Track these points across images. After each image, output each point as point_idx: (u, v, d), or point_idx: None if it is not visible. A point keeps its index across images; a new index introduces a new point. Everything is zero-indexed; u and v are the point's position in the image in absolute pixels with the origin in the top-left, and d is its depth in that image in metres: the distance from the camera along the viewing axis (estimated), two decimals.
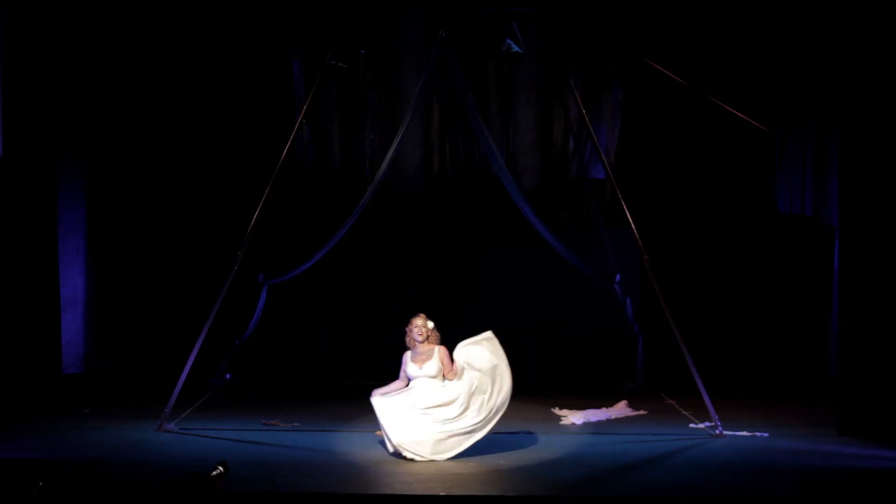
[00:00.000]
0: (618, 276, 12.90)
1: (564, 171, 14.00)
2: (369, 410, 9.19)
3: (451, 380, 9.10)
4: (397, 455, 8.98)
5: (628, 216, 11.27)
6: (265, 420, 10.73)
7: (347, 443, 9.75)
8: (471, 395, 9.06)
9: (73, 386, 12.10)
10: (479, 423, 9.05)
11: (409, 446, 8.90)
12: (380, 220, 13.10)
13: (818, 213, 12.59)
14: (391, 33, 13.62)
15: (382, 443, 9.24)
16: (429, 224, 13.73)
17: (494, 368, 9.18)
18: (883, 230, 10.07)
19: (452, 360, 9.17)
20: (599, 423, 10.84)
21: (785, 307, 13.44)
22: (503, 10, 13.50)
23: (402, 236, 13.66)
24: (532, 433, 10.24)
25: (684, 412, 11.13)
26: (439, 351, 9.14)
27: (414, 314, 9.29)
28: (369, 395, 9.21)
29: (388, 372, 9.58)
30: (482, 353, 9.18)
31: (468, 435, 9.02)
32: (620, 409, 11.40)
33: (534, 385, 12.90)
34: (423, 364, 9.11)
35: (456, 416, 8.98)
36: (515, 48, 13.59)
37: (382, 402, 9.06)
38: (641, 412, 11.35)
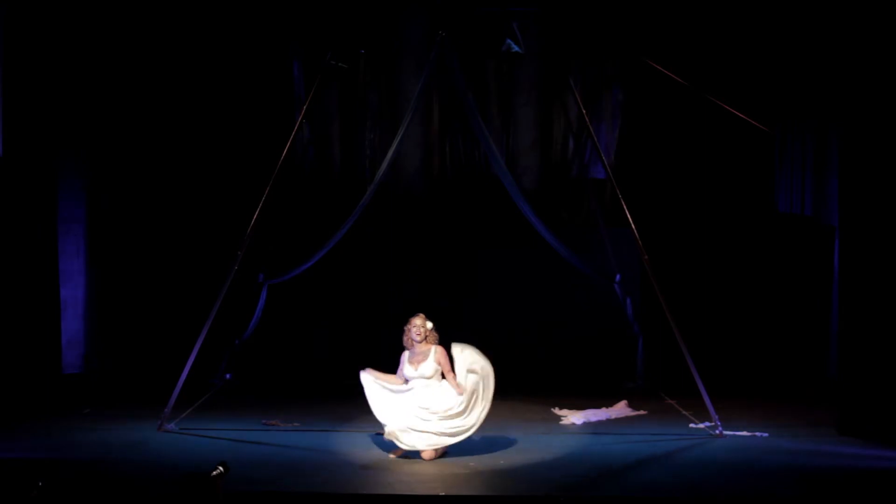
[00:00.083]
0: (618, 276, 12.90)
1: (564, 171, 14.00)
2: (370, 410, 9.19)
3: (451, 383, 9.07)
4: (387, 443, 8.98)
5: (628, 216, 11.27)
6: (265, 420, 10.73)
7: (347, 443, 9.75)
8: (472, 399, 9.05)
9: (73, 386, 12.10)
10: (466, 427, 9.03)
11: (391, 423, 8.92)
12: (380, 220, 13.10)
13: (818, 213, 12.58)
14: (391, 33, 13.62)
15: (381, 443, 9.24)
16: (429, 224, 13.73)
17: (488, 376, 9.14)
18: (883, 230, 10.07)
19: (452, 361, 9.15)
20: (599, 423, 10.84)
21: (785, 307, 13.44)
22: (503, 10, 13.50)
23: (402, 236, 13.66)
24: (532, 433, 10.24)
25: (684, 412, 11.12)
26: (436, 352, 9.11)
27: (413, 314, 9.28)
28: (361, 369, 9.19)
29: (388, 372, 9.57)
30: (475, 357, 9.16)
31: (451, 437, 9.01)
32: (620, 409, 11.40)
33: (534, 385, 12.92)
34: (418, 365, 9.09)
35: (451, 416, 8.96)
36: (515, 48, 13.59)
37: (372, 384, 9.04)
38: (641, 412, 11.35)
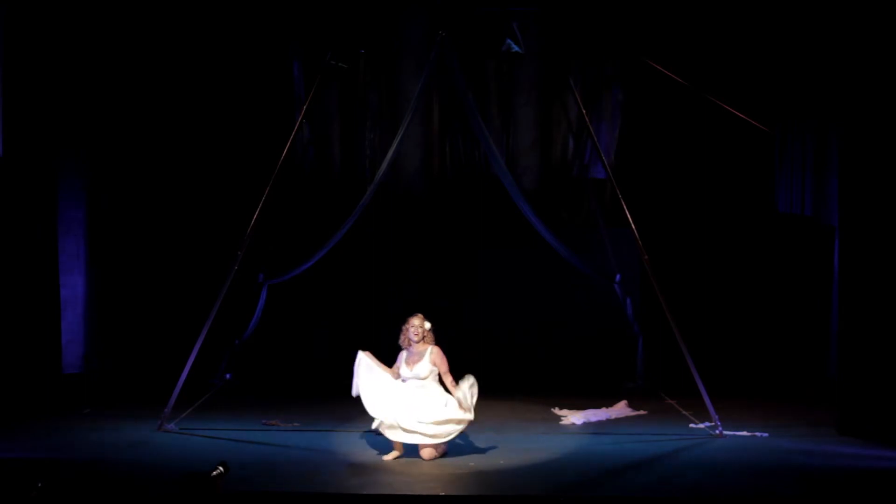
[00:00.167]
0: (618, 276, 12.90)
1: (564, 171, 14.00)
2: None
3: (449, 386, 9.07)
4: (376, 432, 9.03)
5: (628, 216, 11.27)
6: (265, 420, 10.73)
7: (347, 443, 9.76)
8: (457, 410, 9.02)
9: (73, 386, 12.11)
10: (449, 433, 9.02)
11: (379, 415, 8.93)
12: (380, 220, 13.10)
13: (818, 213, 12.58)
14: (391, 33, 13.62)
15: (380, 443, 9.24)
16: (429, 224, 13.73)
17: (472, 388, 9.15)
18: (883, 230, 10.07)
19: (447, 362, 9.15)
20: (599, 423, 10.84)
21: (785, 307, 13.44)
22: (503, 10, 13.50)
23: (402, 236, 13.67)
24: (532, 433, 10.23)
25: (684, 412, 11.12)
26: (431, 352, 9.11)
27: (412, 314, 9.27)
28: (356, 352, 9.18)
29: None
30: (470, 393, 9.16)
31: (433, 438, 9.00)
32: (620, 409, 11.40)
33: (534, 385, 12.92)
34: (414, 365, 9.09)
35: (436, 422, 8.96)
36: (515, 48, 13.59)
37: (366, 371, 9.04)
38: (641, 412, 11.35)
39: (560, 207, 13.91)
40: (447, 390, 9.11)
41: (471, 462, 8.94)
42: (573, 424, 10.80)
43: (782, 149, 12.99)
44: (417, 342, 9.12)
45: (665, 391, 12.30)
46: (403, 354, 9.21)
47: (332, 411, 11.16)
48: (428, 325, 9.18)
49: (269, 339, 13.39)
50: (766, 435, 10.07)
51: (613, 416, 11.15)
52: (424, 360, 9.06)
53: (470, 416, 8.99)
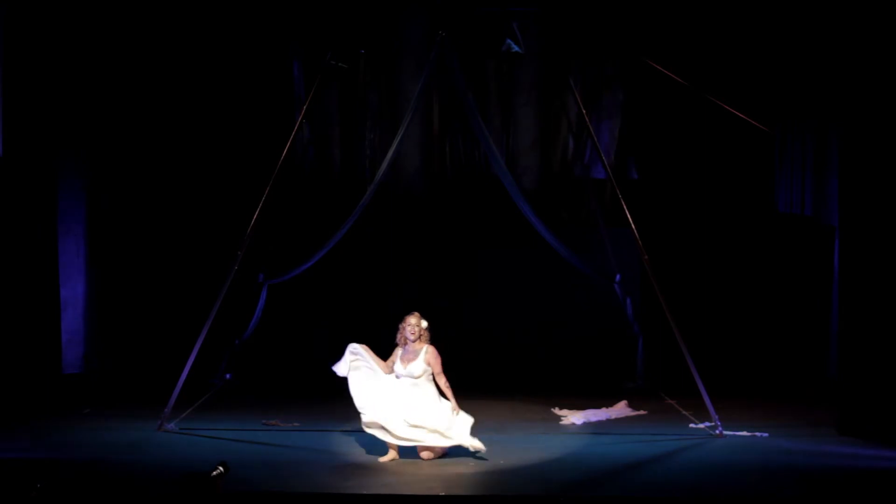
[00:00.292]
0: (618, 276, 12.90)
1: (564, 171, 14.00)
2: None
3: (443, 387, 9.07)
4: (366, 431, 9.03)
5: (628, 216, 11.27)
6: (265, 420, 10.73)
7: (347, 443, 9.76)
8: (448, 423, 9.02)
9: (73, 386, 12.11)
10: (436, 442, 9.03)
11: (368, 413, 8.94)
12: (380, 220, 13.10)
13: (818, 213, 12.59)
14: (391, 33, 13.63)
15: (380, 444, 9.24)
16: (429, 224, 13.73)
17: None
18: (883, 230, 10.07)
19: (441, 362, 9.14)
20: (599, 423, 10.84)
21: (785, 307, 13.44)
22: (503, 10, 13.50)
23: (402, 236, 13.67)
24: (532, 433, 10.24)
25: (684, 412, 11.12)
26: (426, 352, 9.09)
27: (409, 312, 9.26)
28: (349, 344, 9.18)
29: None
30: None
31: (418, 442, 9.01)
32: (620, 409, 11.40)
33: (534, 385, 12.92)
34: (408, 364, 9.08)
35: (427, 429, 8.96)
36: (515, 48, 13.59)
37: (358, 367, 9.07)
38: (641, 412, 11.35)
39: (560, 207, 13.92)
40: (441, 392, 9.11)
41: (471, 462, 8.94)
42: (573, 424, 10.80)
43: (782, 149, 13.00)
44: (414, 341, 9.11)
45: (665, 391, 12.30)
46: (399, 351, 9.21)
47: (332, 411, 11.15)
48: (425, 323, 9.18)
49: (269, 339, 13.38)
50: (766, 435, 10.07)
51: (613, 416, 11.15)
52: (419, 359, 9.06)
53: (455, 441, 8.98)
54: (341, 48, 13.42)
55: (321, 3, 13.45)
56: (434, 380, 9.11)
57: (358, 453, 9.33)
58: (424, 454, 9.01)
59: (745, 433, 10.12)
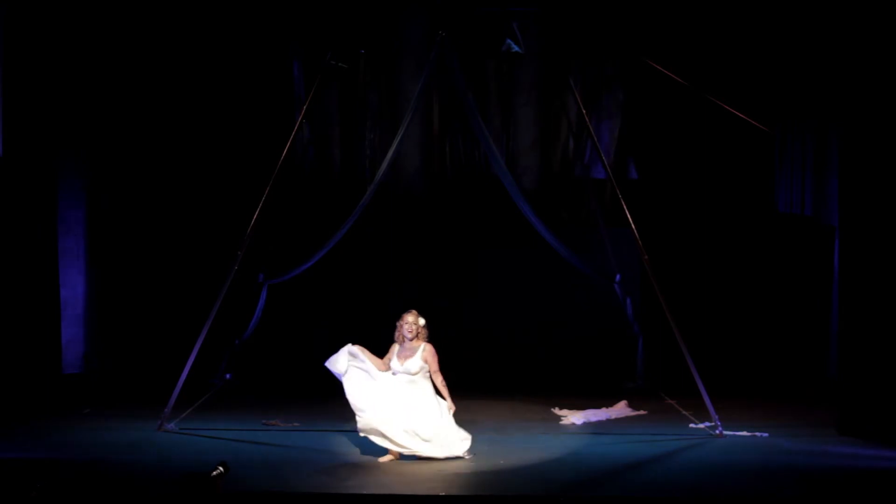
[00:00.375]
0: (618, 276, 12.90)
1: (564, 171, 14.01)
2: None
3: (439, 385, 9.07)
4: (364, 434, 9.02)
5: (628, 216, 11.27)
6: (265, 420, 10.73)
7: (347, 443, 9.75)
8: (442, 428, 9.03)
9: (73, 386, 12.11)
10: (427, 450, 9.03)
11: (365, 416, 8.94)
12: (380, 220, 13.10)
13: (818, 213, 12.59)
14: (391, 33, 13.63)
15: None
16: (429, 224, 13.74)
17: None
18: (883, 230, 10.07)
19: (438, 360, 9.14)
20: (599, 423, 10.83)
21: (785, 307, 13.44)
22: (503, 10, 13.51)
23: (402, 236, 13.67)
24: (532, 433, 10.23)
25: (684, 412, 11.12)
26: (423, 349, 9.08)
27: (406, 310, 9.26)
28: (346, 345, 9.18)
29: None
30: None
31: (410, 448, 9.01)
32: (620, 409, 11.40)
33: (534, 385, 12.92)
34: (405, 361, 9.08)
35: (421, 436, 8.96)
36: (515, 48, 13.60)
37: (354, 369, 9.06)
38: (641, 412, 11.35)
39: (560, 207, 13.92)
40: (437, 391, 9.11)
41: (471, 462, 8.94)
42: (573, 424, 10.80)
43: (782, 149, 13.00)
44: (411, 339, 9.11)
45: (665, 391, 12.30)
46: (396, 348, 9.21)
47: (332, 411, 11.13)
48: (422, 321, 9.18)
49: (269, 339, 13.39)
50: (766, 435, 10.07)
51: (613, 416, 11.14)
52: (416, 357, 9.05)
53: (449, 451, 8.99)
54: (341, 48, 13.43)
55: (321, 4, 13.45)
56: (431, 377, 9.11)
57: (358, 453, 9.32)
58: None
59: (745, 433, 10.12)
